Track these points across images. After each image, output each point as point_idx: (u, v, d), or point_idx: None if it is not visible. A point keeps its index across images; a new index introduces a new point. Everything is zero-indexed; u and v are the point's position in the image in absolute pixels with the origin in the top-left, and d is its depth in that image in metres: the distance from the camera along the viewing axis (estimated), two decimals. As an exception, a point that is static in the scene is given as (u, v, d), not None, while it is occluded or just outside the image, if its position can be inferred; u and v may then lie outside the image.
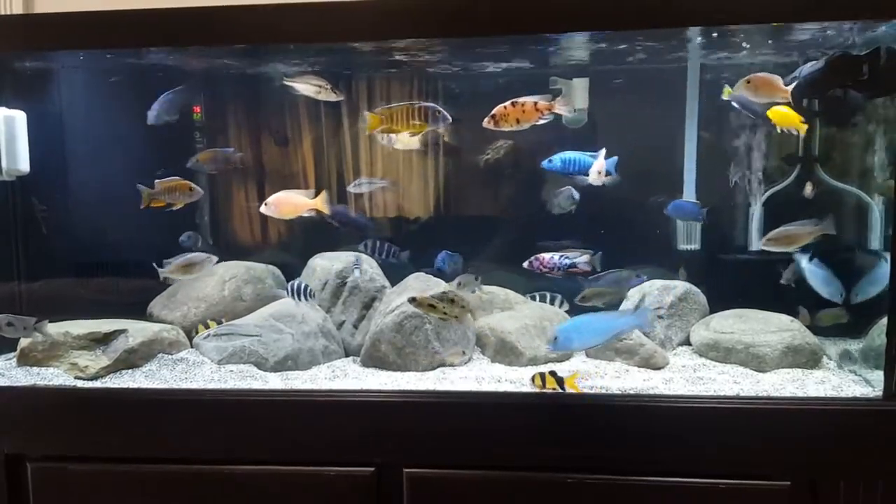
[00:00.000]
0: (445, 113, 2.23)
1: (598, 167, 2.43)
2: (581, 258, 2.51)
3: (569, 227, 2.76)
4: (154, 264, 2.55)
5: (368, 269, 2.80)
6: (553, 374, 2.20)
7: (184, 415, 2.18)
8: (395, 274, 2.82)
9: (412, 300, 2.34)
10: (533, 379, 2.21)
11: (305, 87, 2.56)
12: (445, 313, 2.33)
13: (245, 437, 2.15)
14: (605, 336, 2.31)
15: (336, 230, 2.89)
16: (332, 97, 2.58)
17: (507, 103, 2.23)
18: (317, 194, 2.58)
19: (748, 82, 2.28)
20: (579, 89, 2.79)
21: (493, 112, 2.24)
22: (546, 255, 2.54)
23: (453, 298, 2.34)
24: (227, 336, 2.50)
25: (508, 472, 2.09)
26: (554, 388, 2.18)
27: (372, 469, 2.11)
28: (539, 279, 2.69)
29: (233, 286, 2.77)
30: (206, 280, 2.81)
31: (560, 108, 2.24)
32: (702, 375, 2.35)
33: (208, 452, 2.17)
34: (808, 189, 2.70)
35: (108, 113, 2.89)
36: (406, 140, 2.63)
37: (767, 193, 2.82)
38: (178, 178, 2.50)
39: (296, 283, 2.54)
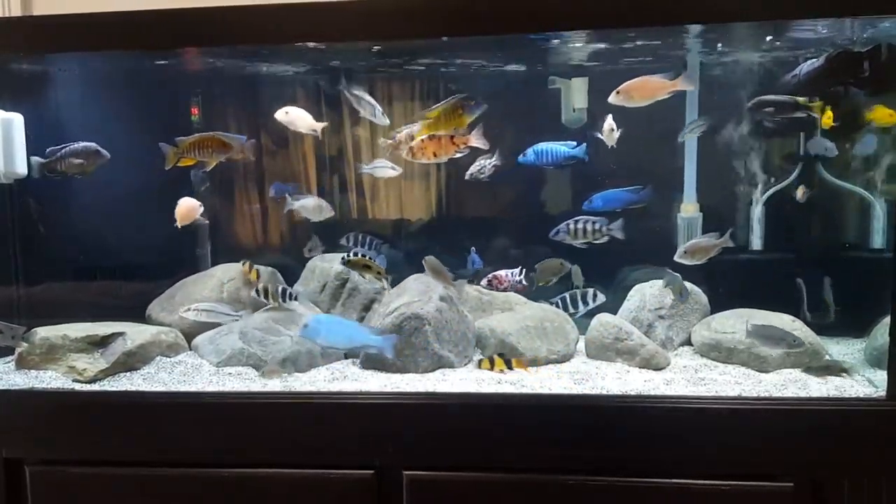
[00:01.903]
0: (480, 100, 2.26)
1: (609, 125, 2.50)
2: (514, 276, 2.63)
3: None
4: (287, 195, 2.72)
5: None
6: (501, 355, 2.33)
7: (183, 417, 2.17)
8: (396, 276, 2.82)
9: (345, 261, 2.52)
10: (480, 363, 2.36)
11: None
12: (379, 273, 2.48)
13: (245, 440, 2.15)
14: (349, 343, 2.39)
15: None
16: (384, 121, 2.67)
17: (425, 137, 2.31)
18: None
19: (618, 93, 2.31)
20: (578, 88, 2.79)
21: (410, 144, 2.33)
22: (501, 273, 2.62)
23: (369, 265, 2.49)
24: (208, 313, 2.58)
25: (509, 474, 2.08)
26: (502, 370, 2.31)
27: (372, 471, 2.10)
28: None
29: (231, 288, 2.76)
30: (205, 282, 2.81)
31: (475, 142, 2.32)
32: (703, 376, 2.33)
33: (208, 455, 2.16)
34: (800, 192, 2.70)
35: (106, 115, 2.88)
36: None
37: (768, 192, 2.80)
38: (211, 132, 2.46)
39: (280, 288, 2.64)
